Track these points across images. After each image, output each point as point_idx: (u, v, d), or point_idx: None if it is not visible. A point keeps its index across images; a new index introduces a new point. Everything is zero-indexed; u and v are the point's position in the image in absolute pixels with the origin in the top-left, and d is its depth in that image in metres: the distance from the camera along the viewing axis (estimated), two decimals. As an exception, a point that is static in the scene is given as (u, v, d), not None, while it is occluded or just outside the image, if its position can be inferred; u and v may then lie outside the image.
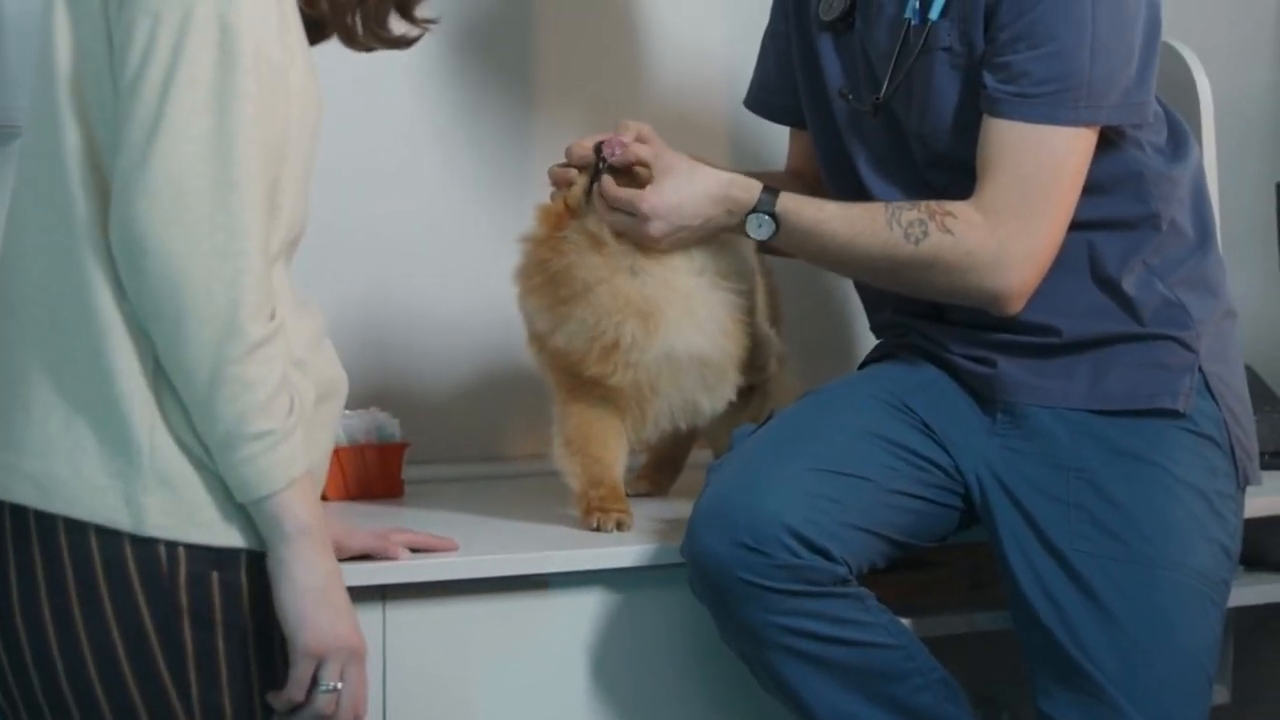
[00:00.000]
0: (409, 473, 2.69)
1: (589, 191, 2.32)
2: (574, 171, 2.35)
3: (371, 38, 1.97)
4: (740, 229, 2.31)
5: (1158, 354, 2.32)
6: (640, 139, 2.33)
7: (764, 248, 2.38)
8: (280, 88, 1.80)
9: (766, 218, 2.30)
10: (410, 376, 2.84)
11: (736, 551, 2.15)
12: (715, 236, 2.34)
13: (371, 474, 2.62)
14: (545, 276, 2.34)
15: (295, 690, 1.84)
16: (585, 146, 2.34)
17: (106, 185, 1.79)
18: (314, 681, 1.84)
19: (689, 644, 2.31)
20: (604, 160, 2.31)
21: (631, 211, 2.30)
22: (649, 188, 2.30)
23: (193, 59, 1.74)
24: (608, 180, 2.31)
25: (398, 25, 1.99)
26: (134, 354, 1.78)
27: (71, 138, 1.80)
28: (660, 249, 2.31)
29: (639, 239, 2.30)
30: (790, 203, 2.31)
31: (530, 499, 2.56)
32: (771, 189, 2.31)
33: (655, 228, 2.29)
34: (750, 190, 2.32)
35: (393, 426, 2.66)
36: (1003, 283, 2.26)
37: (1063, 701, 2.21)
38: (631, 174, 2.32)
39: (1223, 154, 2.84)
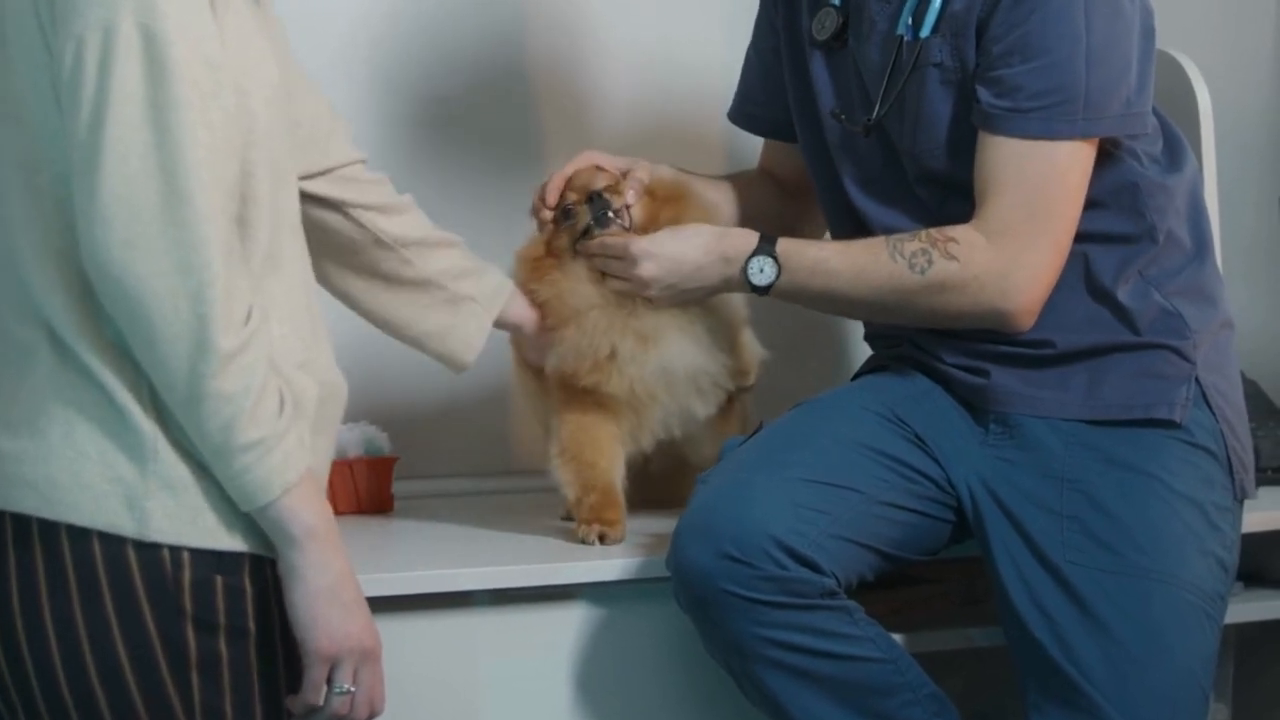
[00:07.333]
0: (398, 488, 2.70)
1: (575, 241, 2.38)
2: (548, 213, 2.42)
3: None
4: (740, 279, 2.31)
5: (1154, 363, 2.30)
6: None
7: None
8: (224, 86, 1.75)
9: (768, 260, 2.29)
10: (400, 391, 2.85)
11: (721, 563, 2.14)
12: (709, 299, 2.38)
13: (361, 488, 2.63)
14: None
15: (311, 693, 1.83)
16: (557, 189, 2.41)
17: (52, 212, 1.76)
18: (329, 683, 1.83)
19: (675, 658, 2.31)
20: (594, 220, 2.36)
21: (622, 256, 2.34)
22: (640, 237, 2.35)
23: (121, 74, 1.69)
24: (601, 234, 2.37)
25: None
26: (127, 368, 1.76)
27: (13, 161, 1.77)
28: (654, 299, 2.34)
29: (631, 281, 2.33)
30: (789, 245, 2.31)
31: (519, 513, 2.57)
32: (768, 236, 2.32)
33: (646, 269, 2.32)
34: (747, 238, 2.33)
35: (382, 440, 2.68)
36: (1013, 302, 2.26)
37: (1055, 716, 2.18)
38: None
39: (1223, 166, 2.84)
